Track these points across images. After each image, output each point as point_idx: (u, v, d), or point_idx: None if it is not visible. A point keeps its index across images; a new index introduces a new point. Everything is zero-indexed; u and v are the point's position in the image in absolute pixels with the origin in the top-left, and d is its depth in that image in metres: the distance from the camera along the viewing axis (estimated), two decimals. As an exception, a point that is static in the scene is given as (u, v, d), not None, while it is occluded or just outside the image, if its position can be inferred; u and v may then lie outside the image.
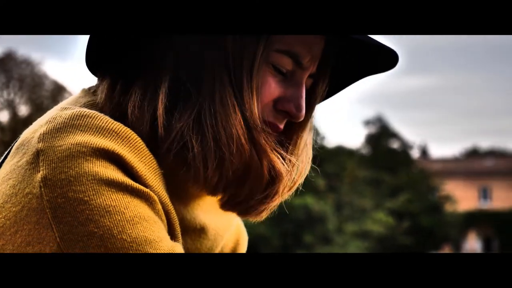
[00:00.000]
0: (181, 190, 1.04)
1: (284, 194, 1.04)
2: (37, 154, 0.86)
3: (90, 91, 1.03)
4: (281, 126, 1.03)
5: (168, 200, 0.93)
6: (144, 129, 0.94)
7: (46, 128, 0.88)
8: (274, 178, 0.99)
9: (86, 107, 0.96)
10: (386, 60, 1.04)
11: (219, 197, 1.03)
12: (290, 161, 1.02)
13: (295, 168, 1.05)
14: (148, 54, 0.97)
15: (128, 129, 0.90)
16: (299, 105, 1.00)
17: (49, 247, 0.84)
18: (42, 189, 0.84)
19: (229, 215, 1.19)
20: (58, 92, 30.66)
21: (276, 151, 0.98)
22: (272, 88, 0.99)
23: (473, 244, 47.34)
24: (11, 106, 31.37)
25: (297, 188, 1.09)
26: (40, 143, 0.87)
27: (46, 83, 31.47)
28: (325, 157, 29.59)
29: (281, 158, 0.99)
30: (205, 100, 0.94)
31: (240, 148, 0.93)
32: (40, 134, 0.88)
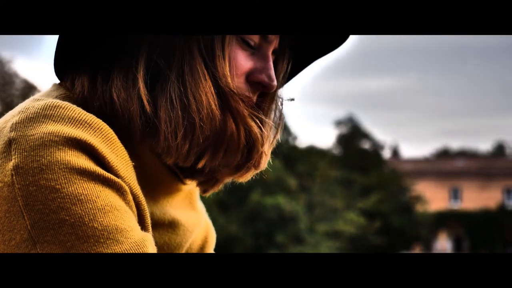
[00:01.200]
0: (151, 186, 1.06)
1: (263, 157, 1.08)
2: (9, 143, 0.86)
3: (62, 86, 1.04)
4: (254, 99, 1.06)
5: (139, 191, 0.94)
6: (134, 109, 0.96)
7: (19, 118, 0.89)
8: (251, 142, 1.02)
9: (59, 99, 0.97)
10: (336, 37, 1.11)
11: (199, 165, 1.03)
12: (267, 124, 1.06)
13: (271, 133, 1.10)
14: (123, 41, 0.99)
15: (100, 120, 0.91)
16: (270, 76, 1.04)
17: (20, 235, 0.83)
18: (14, 177, 0.83)
19: (198, 213, 1.24)
20: (28, 91, 30.28)
21: (253, 115, 1.02)
22: (243, 60, 1.03)
23: (443, 244, 47.79)
24: (-20, 104, 31.00)
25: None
26: (13, 132, 0.87)
27: (17, 82, 31.11)
28: (297, 157, 29.66)
29: (258, 122, 1.03)
30: (175, 72, 0.97)
31: (210, 114, 0.96)
32: (13, 123, 0.88)
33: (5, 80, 31.32)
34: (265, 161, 1.09)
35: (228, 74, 0.99)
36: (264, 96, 1.10)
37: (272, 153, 1.14)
